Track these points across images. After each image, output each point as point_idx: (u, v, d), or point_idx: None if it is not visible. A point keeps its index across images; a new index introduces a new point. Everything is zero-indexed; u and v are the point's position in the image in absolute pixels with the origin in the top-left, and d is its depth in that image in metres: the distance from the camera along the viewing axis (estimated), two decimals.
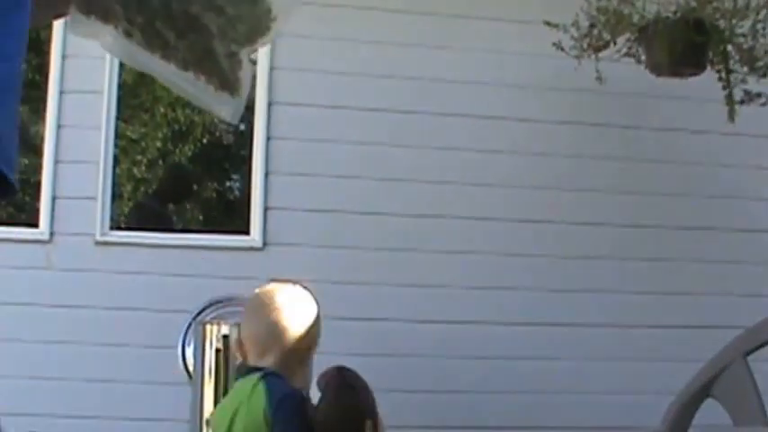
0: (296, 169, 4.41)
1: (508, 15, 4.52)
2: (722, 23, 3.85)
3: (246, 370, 2.86)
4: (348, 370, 2.86)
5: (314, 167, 4.41)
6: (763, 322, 3.46)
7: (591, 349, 4.49)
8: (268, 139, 4.41)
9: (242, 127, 4.82)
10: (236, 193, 5.17)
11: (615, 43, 3.97)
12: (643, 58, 3.97)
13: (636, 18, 3.91)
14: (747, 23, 3.84)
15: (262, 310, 2.90)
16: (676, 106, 4.65)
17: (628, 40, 3.99)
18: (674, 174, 4.71)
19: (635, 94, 4.57)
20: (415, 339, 4.37)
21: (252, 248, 4.30)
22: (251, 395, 2.75)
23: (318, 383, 2.79)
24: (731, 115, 3.85)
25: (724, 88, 3.88)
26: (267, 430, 2.68)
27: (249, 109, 4.50)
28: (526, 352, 4.45)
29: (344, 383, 2.82)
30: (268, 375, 2.77)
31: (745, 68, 3.90)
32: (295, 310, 2.90)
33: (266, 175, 4.38)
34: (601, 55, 3.95)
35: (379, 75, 4.43)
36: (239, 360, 2.95)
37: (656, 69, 4.00)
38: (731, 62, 3.88)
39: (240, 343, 2.91)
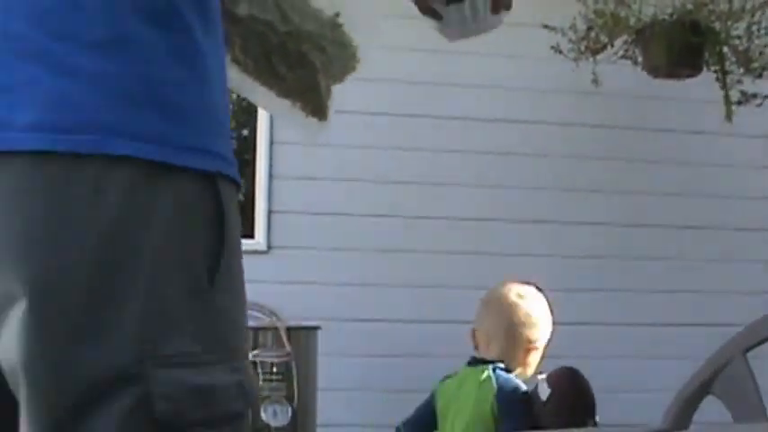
0: (299, 173, 4.43)
1: (506, 18, 4.55)
2: (718, 25, 3.87)
3: (475, 360, 3.01)
4: (578, 372, 2.96)
5: (317, 171, 4.43)
6: (762, 319, 3.48)
7: (591, 347, 4.51)
8: (271, 143, 4.43)
9: (245, 132, 4.84)
10: (240, 197, 5.19)
11: (612, 46, 4.00)
12: (640, 60, 3.99)
13: (632, 21, 3.93)
14: (742, 25, 3.87)
15: (493, 304, 3.10)
16: (674, 107, 4.69)
17: (625, 42, 4.01)
18: (672, 174, 4.74)
19: (633, 96, 4.60)
20: (420, 340, 4.38)
21: (256, 252, 4.32)
22: (481, 386, 2.90)
23: (548, 381, 2.89)
24: (729, 116, 3.87)
25: (721, 89, 3.90)
26: (493, 421, 2.80)
27: (253, 114, 4.53)
28: None
29: (574, 385, 2.90)
30: (497, 368, 2.88)
31: (741, 69, 3.92)
32: (522, 306, 3.03)
33: (270, 178, 4.41)
34: (598, 57, 3.97)
35: (382, 78, 4.44)
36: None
37: (654, 71, 4.01)
38: (727, 63, 3.90)
39: (473, 333, 3.10)
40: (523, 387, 2.92)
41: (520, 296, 3.10)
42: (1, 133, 0.94)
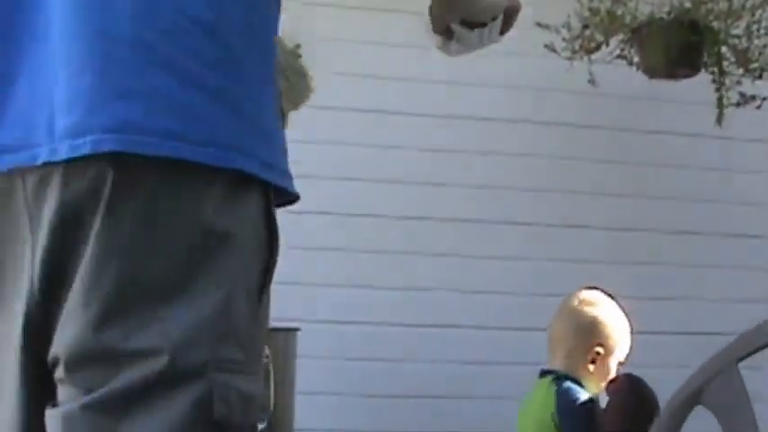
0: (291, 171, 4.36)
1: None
2: (716, 24, 3.81)
3: (543, 371, 3.01)
4: (638, 380, 2.92)
5: (298, 168, 4.34)
6: (756, 328, 3.40)
7: None
8: None
9: None
10: None
11: (608, 45, 3.93)
12: (635, 59, 3.93)
13: (628, 19, 3.86)
14: (742, 24, 3.81)
15: (558, 311, 3.08)
16: (667, 109, 4.62)
17: (621, 41, 3.95)
18: (663, 177, 4.68)
19: (626, 97, 4.54)
20: (402, 344, 4.33)
21: None
22: (544, 397, 2.89)
23: (607, 389, 2.86)
24: (719, 119, 3.82)
25: (717, 90, 3.84)
26: None
27: None
28: (517, 357, 4.40)
29: (633, 393, 2.87)
30: (560, 378, 2.86)
31: (741, 70, 3.86)
32: (582, 312, 2.98)
33: None
34: (593, 57, 3.91)
35: (370, 75, 4.40)
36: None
37: (650, 71, 3.95)
38: (725, 64, 3.84)
39: None
40: (584, 397, 2.88)
41: (583, 302, 3.08)
42: (140, 137, 1.01)
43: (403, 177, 4.44)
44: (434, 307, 4.38)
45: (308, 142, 4.34)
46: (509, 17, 1.46)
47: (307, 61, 2.73)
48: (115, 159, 1.01)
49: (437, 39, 1.47)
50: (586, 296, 3.10)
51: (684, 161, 4.68)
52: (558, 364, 2.98)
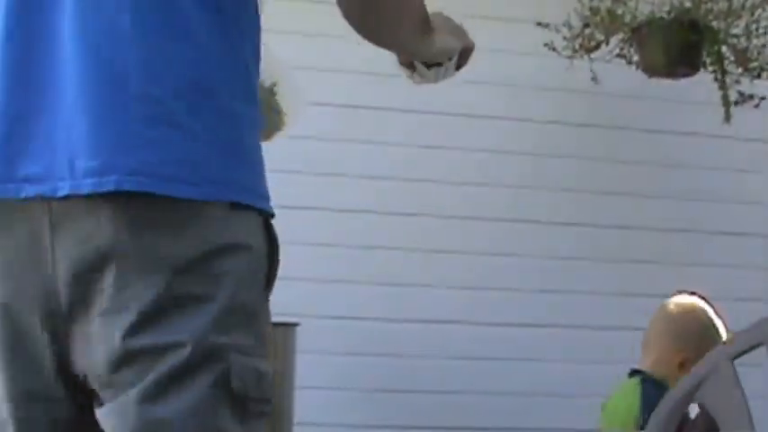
0: (275, 166, 4.31)
1: (497, 13, 4.46)
2: (716, 24, 3.82)
3: (632, 371, 3.03)
4: None
5: (294, 164, 4.32)
6: (751, 326, 3.41)
7: (579, 351, 4.45)
8: None
9: None
10: None
11: (608, 44, 3.94)
12: (635, 58, 3.93)
13: (628, 18, 3.87)
14: (742, 24, 3.81)
15: (655, 313, 3.12)
16: (664, 108, 4.61)
17: (621, 40, 3.95)
18: (662, 176, 4.68)
19: (625, 96, 4.53)
20: (400, 339, 4.33)
21: None
22: (629, 398, 2.92)
23: None
24: (727, 117, 3.82)
25: (720, 89, 3.84)
26: None
27: None
28: (515, 353, 4.42)
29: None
30: (646, 381, 2.85)
31: (740, 69, 3.86)
32: (675, 316, 2.98)
33: None
34: (593, 56, 3.91)
35: (363, 71, 4.36)
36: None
37: (650, 70, 3.95)
38: (725, 63, 3.84)
39: None
40: None
41: (679, 306, 3.08)
42: (152, 180, 1.21)
43: (403, 174, 4.43)
44: (435, 304, 4.37)
45: (300, 138, 4.36)
46: (464, 56, 1.71)
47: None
48: (132, 197, 1.21)
49: (403, 70, 1.73)
50: (683, 301, 3.11)
51: (684, 160, 4.67)
52: (647, 365, 3.00)
